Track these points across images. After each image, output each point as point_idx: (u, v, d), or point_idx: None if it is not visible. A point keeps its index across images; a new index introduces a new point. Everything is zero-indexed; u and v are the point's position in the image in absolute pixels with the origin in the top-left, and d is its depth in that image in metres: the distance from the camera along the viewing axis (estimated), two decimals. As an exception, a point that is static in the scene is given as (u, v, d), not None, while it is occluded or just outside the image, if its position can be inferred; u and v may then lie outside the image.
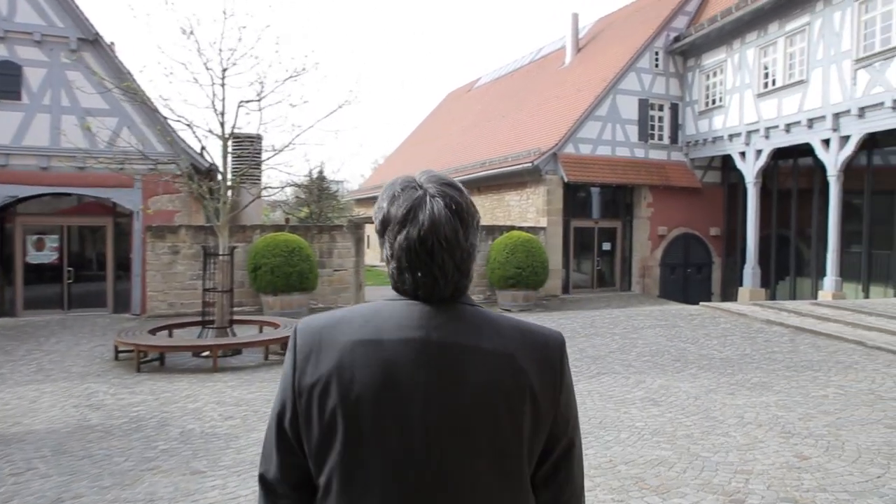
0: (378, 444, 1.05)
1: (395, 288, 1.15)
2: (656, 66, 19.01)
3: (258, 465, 1.19)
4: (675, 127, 19.35)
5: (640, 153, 18.89)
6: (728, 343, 9.89)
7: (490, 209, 20.53)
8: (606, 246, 19.33)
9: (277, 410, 1.13)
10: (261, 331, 10.26)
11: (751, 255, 17.03)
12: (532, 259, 15.24)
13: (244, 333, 10.04)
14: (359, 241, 15.05)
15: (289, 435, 1.12)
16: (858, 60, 13.26)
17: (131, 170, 11.27)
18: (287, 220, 19.37)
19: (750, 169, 16.81)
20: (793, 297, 16.98)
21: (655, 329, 11.31)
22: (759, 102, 16.26)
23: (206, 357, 8.78)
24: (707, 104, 18.44)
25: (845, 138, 13.82)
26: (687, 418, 5.96)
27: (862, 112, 13.26)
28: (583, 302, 16.68)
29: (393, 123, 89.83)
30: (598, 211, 19.09)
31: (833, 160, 14.08)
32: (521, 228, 16.61)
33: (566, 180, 17.41)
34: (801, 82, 14.84)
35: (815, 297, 15.96)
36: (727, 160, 19.01)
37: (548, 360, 1.13)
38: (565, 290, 18.30)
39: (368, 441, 1.05)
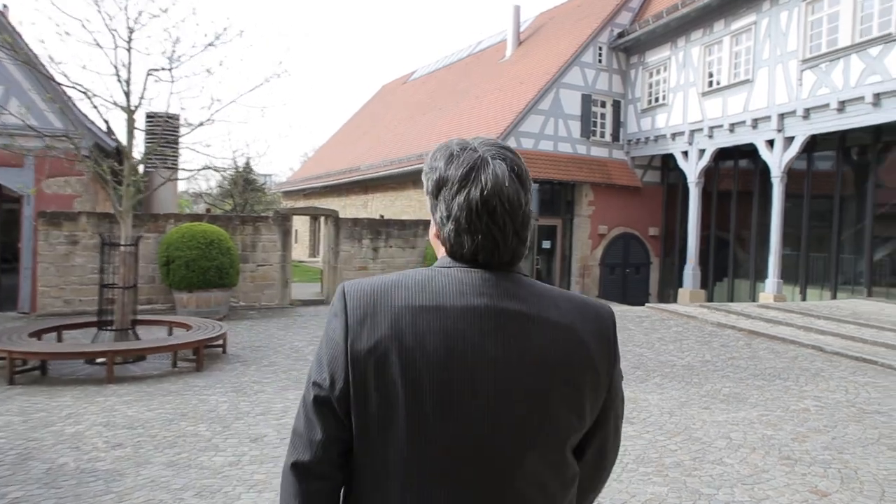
0: (446, 415, 0.98)
1: (452, 252, 1.09)
2: (600, 61, 18.57)
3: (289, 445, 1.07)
4: (617, 124, 18.98)
5: (582, 150, 18.39)
6: (685, 348, 9.31)
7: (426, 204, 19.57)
8: (546, 244, 18.74)
9: (322, 380, 1.03)
10: (170, 333, 8.91)
11: (692, 255, 16.81)
12: (472, 256, 14.40)
13: (150, 336, 8.67)
14: (286, 234, 13.76)
15: (335, 407, 1.02)
16: (804, 61, 13.10)
17: (20, 147, 9.60)
18: (208, 209, 17.73)
19: (692, 169, 16.57)
20: (730, 298, 16.88)
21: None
22: (703, 101, 16.02)
23: (102, 364, 7.40)
24: (650, 102, 18.14)
25: (790, 139, 13.68)
26: (669, 440, 5.19)
27: (807, 113, 13.11)
28: (522, 302, 16.00)
29: (322, 116, 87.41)
30: (539, 208, 18.46)
31: (777, 161, 13.92)
32: (460, 224, 15.73)
33: (507, 175, 16.64)
34: (746, 82, 14.64)
35: (754, 299, 15.89)
36: (667, 160, 18.82)
37: (603, 333, 1.09)
38: (504, 289, 17.58)
39: (432, 412, 0.98)
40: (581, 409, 1.05)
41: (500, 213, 1.03)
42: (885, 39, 11.48)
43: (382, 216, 16.50)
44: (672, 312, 12.72)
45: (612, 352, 1.10)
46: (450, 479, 0.99)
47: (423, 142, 20.79)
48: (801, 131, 13.33)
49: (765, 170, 15.60)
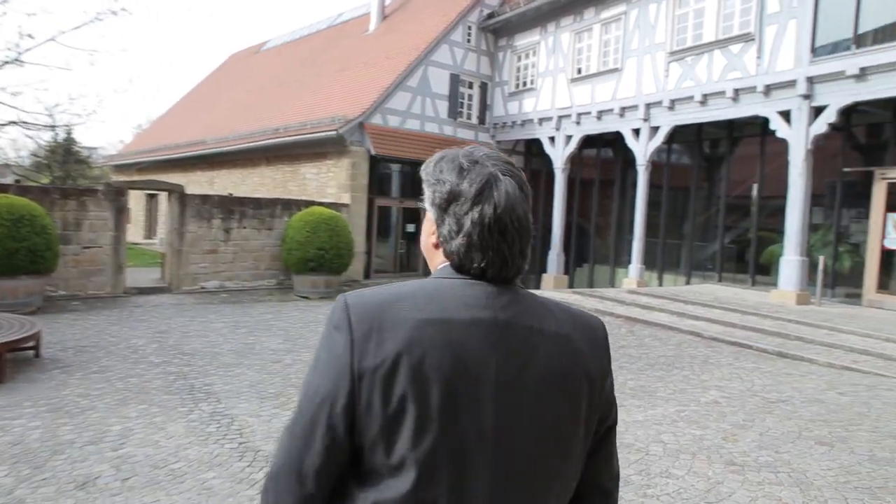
0: (449, 427, 0.99)
1: (459, 266, 1.09)
2: (469, 41, 18.05)
3: (277, 450, 1.05)
4: (484, 107, 18.63)
5: (448, 130, 17.81)
6: (573, 337, 8.98)
7: (282, 182, 17.98)
8: (411, 228, 17.98)
9: (324, 396, 1.01)
10: (-39, 333, 6.92)
11: (556, 241, 16.91)
12: (337, 239, 13.26)
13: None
14: (120, 212, 11.68)
15: (336, 422, 1.00)
16: (672, 53, 13.43)
17: None
18: (17, 181, 14.76)
19: (559, 154, 16.61)
20: (590, 283, 17.24)
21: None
22: (572, 88, 16.06)
23: None
24: (518, 86, 17.95)
25: (655, 129, 14.02)
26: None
27: (672, 104, 13.48)
28: (389, 288, 15.12)
29: (160, 84, 79.76)
30: (403, 190, 17.66)
31: (643, 150, 14.23)
32: (322, 204, 14.48)
33: (373, 153, 15.65)
34: (615, 70, 14.81)
35: (613, 284, 16.33)
36: (530, 145, 18.82)
37: (598, 343, 1.12)
38: (367, 275, 16.60)
39: (439, 424, 0.98)
40: (578, 418, 1.07)
41: (510, 231, 1.07)
42: (745, 38, 11.98)
43: (231, 194, 14.75)
44: (546, 299, 12.51)
45: (605, 362, 1.13)
46: (456, 492, 1.00)
47: (282, 115, 19.10)
48: (667, 121, 13.69)
49: (626, 158, 16.03)
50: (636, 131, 14.43)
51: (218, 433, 4.73)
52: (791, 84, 11.21)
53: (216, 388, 5.91)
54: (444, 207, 1.09)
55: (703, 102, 12.84)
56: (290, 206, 14.24)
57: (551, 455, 1.05)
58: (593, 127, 15.58)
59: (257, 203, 13.82)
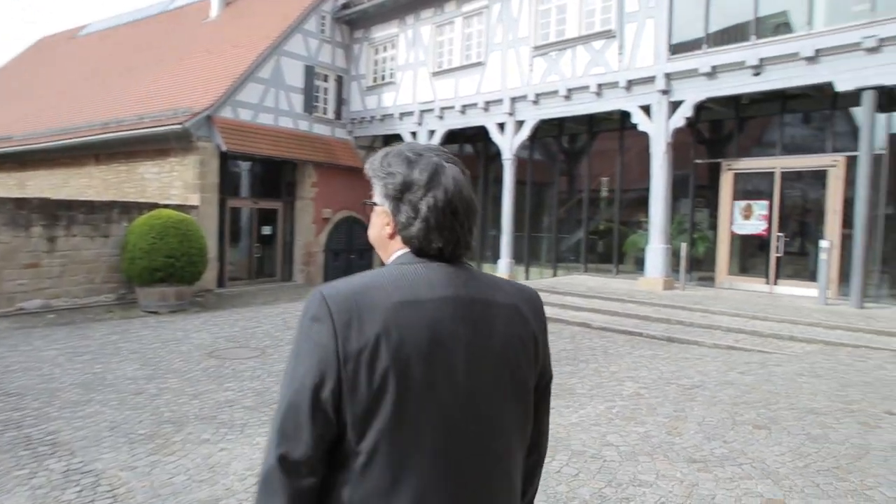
0: (428, 396, 1.10)
1: (419, 249, 1.19)
2: (323, 31, 17.08)
3: (268, 449, 1.11)
4: (340, 101, 17.76)
5: (304, 126, 16.72)
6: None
7: (116, 184, 15.80)
8: (267, 230, 16.67)
9: (312, 383, 1.09)
10: None
11: (423, 240, 16.47)
12: (188, 245, 11.78)
13: None
14: None
15: (326, 406, 1.09)
16: (536, 48, 13.54)
17: None
18: None
19: (422, 151, 16.18)
20: (459, 281, 17.05)
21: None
22: (434, 81, 15.72)
23: None
24: (376, 80, 17.31)
25: (521, 123, 14.07)
26: (553, 460, 4.14)
27: (538, 99, 13.59)
28: (245, 297, 13.79)
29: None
30: (258, 189, 16.32)
31: (508, 144, 14.23)
32: (169, 206, 12.83)
33: (224, 149, 14.20)
34: (478, 64, 14.69)
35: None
36: (390, 141, 18.12)
37: (538, 310, 1.29)
38: (221, 283, 15.07)
39: (419, 394, 1.09)
40: (530, 375, 1.23)
41: (461, 211, 1.20)
42: (607, 35, 12.34)
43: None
44: (425, 298, 12.02)
45: (544, 325, 1.29)
46: (437, 452, 1.11)
47: (112, 108, 16.82)
48: (532, 116, 13.79)
49: (490, 153, 16.05)
50: (501, 125, 14.41)
51: (81, 500, 3.63)
52: (651, 80, 11.69)
53: (64, 437, 4.67)
54: (398, 197, 1.19)
55: (568, 97, 13.06)
56: (131, 209, 12.44)
57: (515, 408, 1.19)
58: (457, 121, 15.37)
59: (90, 206, 11.88)
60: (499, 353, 1.17)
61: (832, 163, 10.74)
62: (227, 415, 5.32)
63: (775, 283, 11.36)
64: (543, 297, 8.35)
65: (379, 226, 1.24)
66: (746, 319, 8.93)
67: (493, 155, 15.98)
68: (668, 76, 11.46)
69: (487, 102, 14.52)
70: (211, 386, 6.22)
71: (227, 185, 15.06)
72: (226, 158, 14.68)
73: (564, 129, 15.13)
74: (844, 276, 10.44)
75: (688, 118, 11.43)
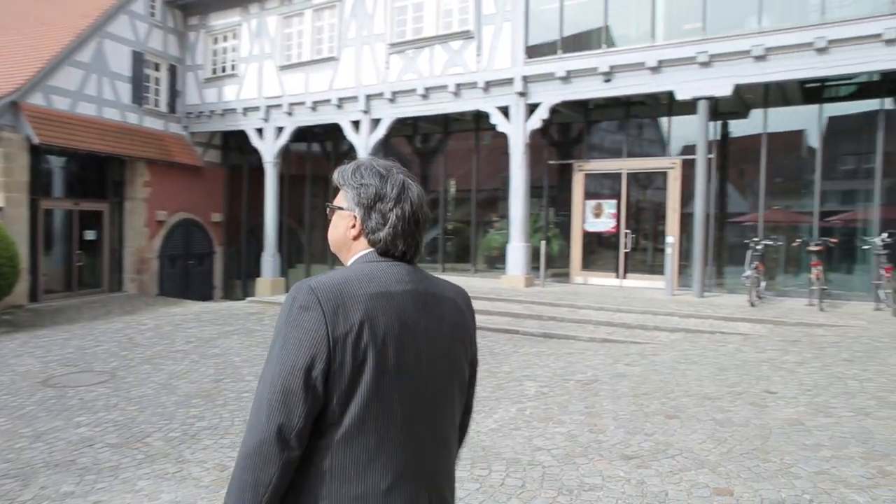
0: (399, 373, 1.29)
1: (385, 251, 1.39)
2: (153, 15, 15.42)
3: (258, 425, 1.21)
4: (174, 93, 16.18)
5: (133, 119, 14.99)
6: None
7: None
8: (90, 235, 14.70)
9: (305, 364, 1.22)
10: None
11: (270, 242, 15.50)
12: (-5, 254, 10.02)
13: None
14: None
15: (316, 384, 1.23)
16: (392, 45, 13.27)
17: None
18: None
19: (269, 148, 15.24)
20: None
21: (233, 338, 8.56)
22: (282, 75, 14.84)
23: None
24: (215, 71, 15.99)
25: (376, 121, 13.73)
26: (490, 471, 3.90)
27: (394, 97, 13.34)
28: (68, 311, 11.99)
29: None
30: (79, 189, 14.33)
31: (364, 143, 13.80)
32: (-35, 208, 10.78)
33: (36, 142, 12.26)
34: (331, 59, 14.10)
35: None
36: (229, 138, 17.03)
37: (469, 304, 1.50)
38: (34, 297, 13.00)
39: (392, 372, 1.28)
40: (467, 360, 1.47)
41: (420, 222, 1.42)
42: (465, 35, 12.43)
43: None
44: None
45: (474, 317, 1.52)
46: (407, 422, 1.30)
47: None
48: (388, 114, 13.51)
49: (340, 151, 15.57)
50: (356, 123, 13.97)
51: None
52: (509, 82, 11.96)
53: None
54: (370, 206, 1.38)
55: (426, 96, 12.97)
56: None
57: (459, 387, 1.43)
58: (308, 118, 14.65)
59: None
60: (448, 339, 1.38)
61: (671, 165, 11.73)
62: (88, 457, 4.43)
63: (624, 278, 12.17)
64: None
65: (343, 228, 1.42)
66: (611, 312, 9.40)
67: (345, 153, 15.50)
68: (526, 79, 11.80)
69: (341, 99, 13.99)
70: (56, 422, 5.19)
71: (40, 183, 13.02)
72: (38, 153, 12.69)
73: (419, 129, 15.06)
74: (682, 268, 11.45)
75: (544, 120, 11.85)
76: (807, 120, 11.00)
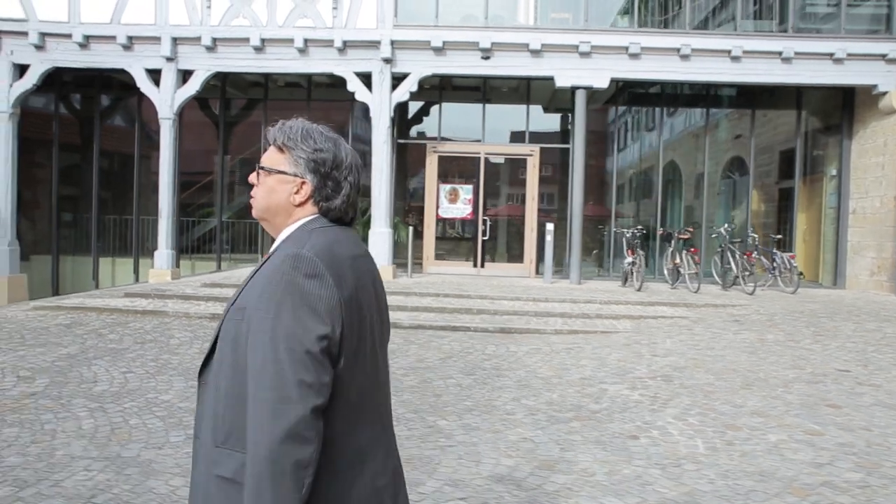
0: (372, 333, 1.34)
1: (337, 217, 1.37)
2: None
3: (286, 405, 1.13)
4: None
5: None
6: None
7: None
8: None
9: (323, 332, 1.19)
10: None
11: (5, 225, 11.11)
12: None
13: None
14: None
15: (333, 350, 1.21)
16: (213, -22, 10.56)
17: None
18: None
19: (2, 93, 10.90)
20: (60, 285, 12.28)
21: (16, 353, 5.71)
22: (33, -7, 10.70)
23: None
24: None
25: (187, 73, 10.82)
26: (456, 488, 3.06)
27: (215, 44, 10.66)
28: None
29: None
30: None
31: (168, 99, 10.75)
32: None
33: None
34: (120, -18, 10.63)
35: (112, 283, 12.08)
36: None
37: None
38: None
39: (367, 332, 1.31)
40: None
41: (359, 191, 1.43)
42: (318, -18, 10.51)
43: None
44: (113, 311, 8.02)
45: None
46: (377, 379, 1.36)
47: None
48: (205, 65, 10.79)
49: (108, 108, 12.08)
50: (154, 73, 10.82)
51: None
52: (374, 45, 10.48)
53: None
54: (325, 173, 1.34)
55: (261, 49, 10.65)
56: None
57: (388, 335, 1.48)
58: (74, 58, 10.88)
59: None
60: (383, 297, 1.44)
61: (530, 152, 11.69)
62: None
63: (482, 266, 11.75)
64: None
65: (285, 193, 1.34)
66: (525, 302, 8.87)
67: (118, 109, 12.05)
68: (394, 44, 10.48)
69: (132, 38, 10.68)
70: None
71: None
72: None
73: (229, 91, 12.42)
74: (540, 257, 11.53)
75: (412, 93, 10.72)
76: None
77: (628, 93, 12.51)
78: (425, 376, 5.51)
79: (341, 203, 1.35)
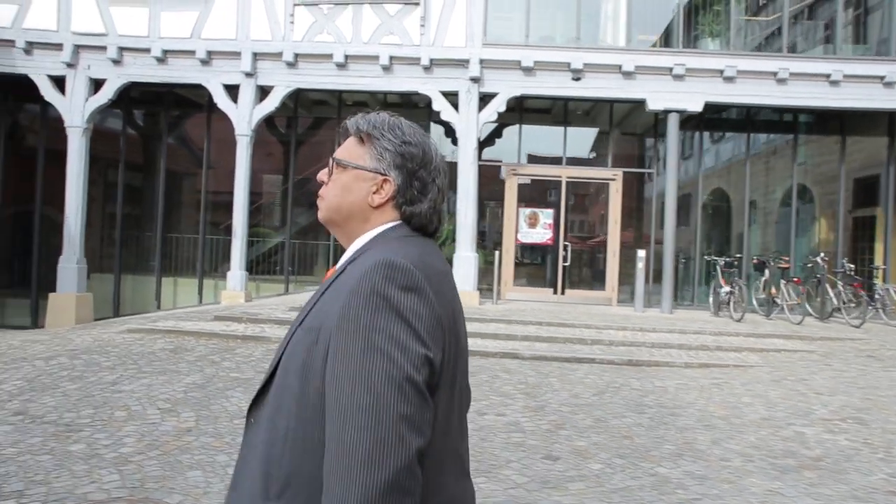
0: (466, 360, 1.15)
1: (421, 225, 1.15)
2: None
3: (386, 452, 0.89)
4: None
5: None
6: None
7: None
8: None
9: (425, 355, 0.97)
10: None
11: (74, 242, 10.69)
12: None
13: None
14: None
15: (432, 384, 0.99)
16: (299, -7, 10.34)
17: None
18: None
19: (76, 106, 10.57)
20: (122, 305, 11.88)
21: (140, 382, 5.30)
22: (110, 6, 10.44)
23: None
24: (-25, -20, 10.59)
25: (265, 90, 10.54)
26: None
27: (297, 60, 10.38)
28: None
29: None
30: None
31: (246, 116, 10.46)
32: None
33: None
34: (201, -4, 10.42)
35: (163, 305, 11.67)
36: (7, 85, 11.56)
37: None
38: None
39: (459, 355, 1.09)
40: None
41: (445, 198, 1.20)
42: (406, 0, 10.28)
43: None
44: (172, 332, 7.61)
45: None
46: (463, 431, 1.16)
47: None
48: (285, 81, 10.47)
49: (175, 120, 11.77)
50: (232, 89, 10.54)
51: None
52: (461, 64, 10.17)
53: None
54: (412, 170, 1.13)
55: (344, 66, 10.36)
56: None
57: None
58: (151, 73, 10.60)
59: None
60: (463, 317, 1.20)
61: (612, 176, 11.34)
62: None
63: (563, 293, 11.33)
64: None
65: (363, 192, 1.14)
66: (635, 332, 8.45)
67: (183, 125, 11.78)
68: (483, 63, 10.20)
69: (211, 53, 10.43)
70: None
71: None
72: None
73: (301, 111, 12.16)
74: (624, 284, 11.13)
75: (500, 113, 10.42)
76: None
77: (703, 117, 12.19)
78: (594, 414, 5.09)
79: (427, 209, 1.16)
